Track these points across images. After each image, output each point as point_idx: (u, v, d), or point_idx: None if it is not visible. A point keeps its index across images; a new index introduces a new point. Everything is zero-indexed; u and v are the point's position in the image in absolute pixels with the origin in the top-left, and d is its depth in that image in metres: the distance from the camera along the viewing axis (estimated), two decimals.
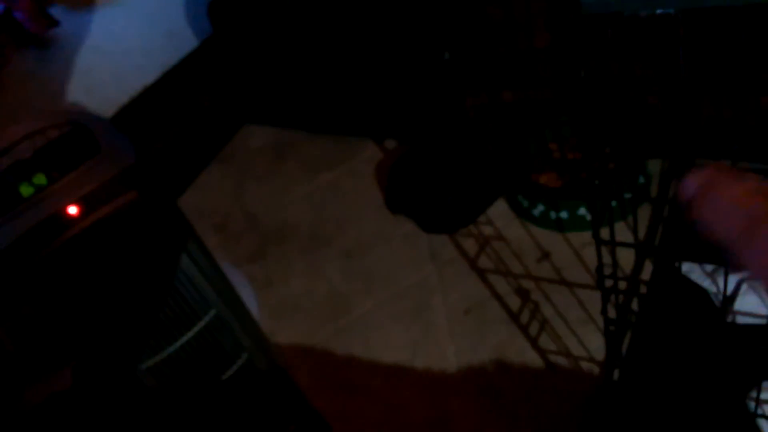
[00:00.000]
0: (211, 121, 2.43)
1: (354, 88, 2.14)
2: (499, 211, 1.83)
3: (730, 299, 1.28)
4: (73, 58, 2.42)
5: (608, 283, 1.09)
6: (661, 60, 1.56)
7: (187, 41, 2.33)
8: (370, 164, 2.12)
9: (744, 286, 1.28)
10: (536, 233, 1.73)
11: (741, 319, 1.26)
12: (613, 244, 1.05)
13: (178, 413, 1.20)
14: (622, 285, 1.45)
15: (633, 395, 1.22)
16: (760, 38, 1.39)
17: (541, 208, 1.71)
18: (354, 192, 2.05)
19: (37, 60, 2.48)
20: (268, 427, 1.35)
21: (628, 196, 1.67)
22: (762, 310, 1.25)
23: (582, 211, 1.66)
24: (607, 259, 1.05)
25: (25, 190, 0.99)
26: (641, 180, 1.70)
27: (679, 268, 1.37)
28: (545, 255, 1.67)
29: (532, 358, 1.46)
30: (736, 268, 1.30)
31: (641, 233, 1.61)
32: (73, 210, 0.96)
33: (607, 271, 1.07)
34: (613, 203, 1.63)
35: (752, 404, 1.12)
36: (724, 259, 1.30)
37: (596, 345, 1.43)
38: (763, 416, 1.10)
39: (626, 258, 1.48)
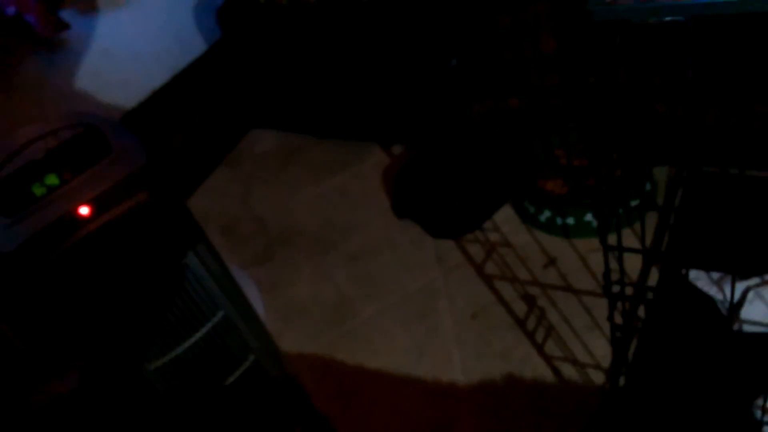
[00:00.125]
0: (219, 125, 2.44)
1: (361, 94, 2.15)
2: (506, 216, 1.83)
3: (736, 307, 1.28)
4: (83, 61, 2.43)
5: (615, 289, 1.10)
6: (669, 68, 1.56)
7: (195, 45, 2.35)
8: (376, 169, 2.13)
9: (751, 294, 1.28)
10: (542, 239, 1.73)
11: (747, 328, 1.26)
12: (620, 250, 1.05)
13: (186, 414, 1.20)
14: (629, 291, 1.45)
15: (639, 402, 1.21)
16: None
17: (547, 214, 1.71)
18: (360, 196, 2.06)
19: (48, 63, 2.50)
20: (274, 429, 1.35)
21: (634, 202, 1.67)
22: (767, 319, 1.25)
23: (588, 217, 1.66)
24: (613, 265, 1.05)
25: (38, 191, 1.00)
26: (648, 187, 1.70)
27: (686, 275, 1.37)
28: (551, 261, 1.67)
29: (538, 364, 1.45)
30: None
31: (648, 240, 1.61)
32: (84, 210, 0.97)
33: (614, 277, 1.08)
34: (620, 210, 1.63)
35: (758, 412, 1.12)
36: (731, 267, 1.30)
37: (602, 352, 1.43)
38: None
39: (633, 265, 1.48)
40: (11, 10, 2.17)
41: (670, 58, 1.51)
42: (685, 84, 1.54)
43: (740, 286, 1.30)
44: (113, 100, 2.16)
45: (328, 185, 2.15)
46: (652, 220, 1.66)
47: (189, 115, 2.31)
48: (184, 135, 2.29)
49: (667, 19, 0.77)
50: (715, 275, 1.35)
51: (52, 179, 1.02)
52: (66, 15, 2.70)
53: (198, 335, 1.15)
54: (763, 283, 1.29)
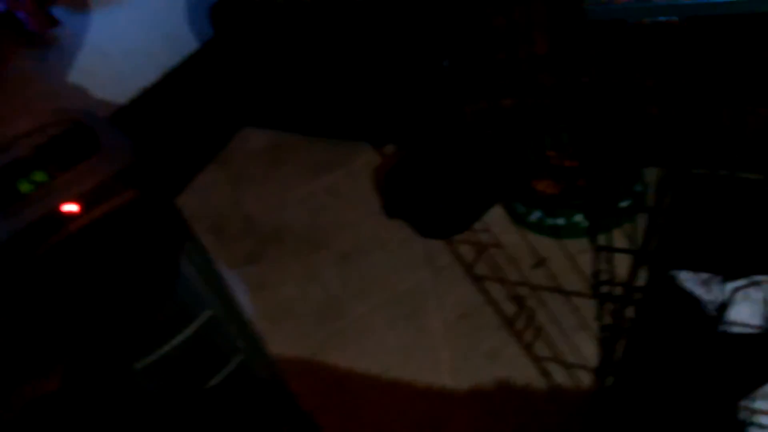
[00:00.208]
0: (210, 123, 2.43)
1: (353, 93, 2.15)
2: (496, 217, 1.84)
3: (723, 308, 1.29)
4: (74, 58, 2.42)
5: (604, 289, 1.10)
6: (662, 69, 1.57)
7: (187, 43, 2.34)
8: (367, 169, 2.13)
9: (738, 296, 1.29)
10: (532, 239, 1.74)
11: (734, 328, 1.27)
12: (609, 251, 1.05)
13: (172, 414, 1.20)
14: (618, 292, 1.45)
15: (626, 402, 1.22)
16: (763, 46, 1.40)
17: (537, 214, 1.71)
18: (351, 196, 2.06)
19: (38, 59, 2.49)
20: (261, 429, 1.35)
21: (624, 203, 1.68)
22: (754, 320, 1.25)
23: (578, 218, 1.67)
24: (602, 266, 1.06)
25: (25, 187, 0.99)
26: (638, 188, 1.71)
27: (674, 276, 1.38)
28: (541, 261, 1.67)
29: (526, 364, 1.46)
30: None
31: (637, 241, 1.62)
32: (72, 207, 0.96)
33: (603, 277, 1.08)
34: (610, 211, 1.64)
35: (744, 413, 1.12)
36: (718, 268, 1.31)
37: (590, 352, 1.43)
38: (755, 424, 1.10)
39: (622, 265, 1.49)
40: (1, 6, 2.16)
41: (663, 59, 1.52)
42: (677, 85, 1.54)
43: (728, 287, 1.31)
44: (103, 97, 2.15)
45: (319, 184, 2.14)
46: (641, 221, 1.67)
47: (180, 113, 2.30)
48: (174, 133, 2.28)
49: (662, 19, 0.77)
50: (703, 276, 1.36)
51: (40, 176, 1.00)
52: (57, 12, 2.68)
53: (184, 335, 1.14)
54: (750, 284, 1.30)
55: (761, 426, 1.10)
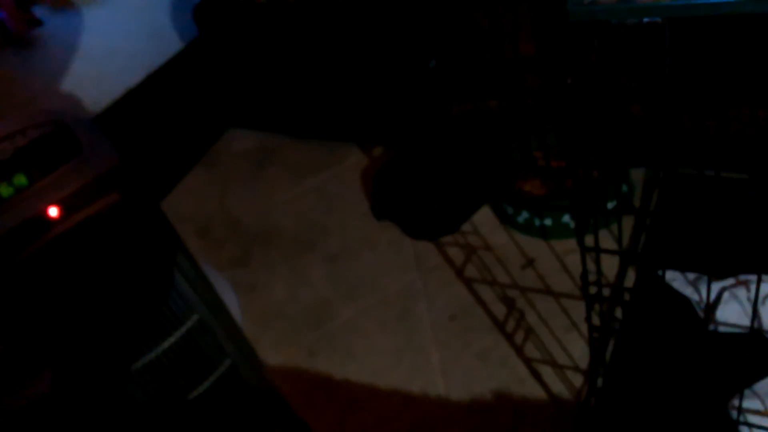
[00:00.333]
0: (196, 124, 2.41)
1: (340, 94, 2.14)
2: (484, 218, 1.83)
3: (712, 308, 1.29)
4: (56, 59, 2.39)
5: (592, 290, 1.10)
6: (645, 70, 1.57)
7: (171, 43, 2.32)
8: (355, 170, 2.12)
9: (726, 295, 1.29)
10: (520, 240, 1.74)
11: (723, 328, 1.27)
12: (597, 251, 1.05)
13: (161, 420, 1.18)
14: (606, 292, 1.46)
15: (616, 403, 1.22)
16: (745, 48, 1.41)
17: (525, 215, 1.71)
18: (339, 197, 2.05)
19: (19, 60, 2.45)
20: None
21: (611, 204, 1.69)
22: (743, 319, 1.26)
23: (566, 218, 1.67)
24: (590, 266, 1.05)
25: (5, 191, 0.97)
26: (625, 188, 1.71)
27: (663, 276, 1.38)
28: (529, 262, 1.67)
29: (517, 365, 1.45)
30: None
31: (625, 241, 1.62)
32: (53, 211, 0.94)
33: (591, 278, 1.08)
34: (597, 211, 1.64)
35: (734, 412, 1.13)
36: (706, 268, 1.31)
37: (580, 352, 1.43)
38: (745, 423, 1.11)
39: (610, 266, 1.49)
40: None
41: (647, 59, 1.52)
42: (661, 86, 1.55)
43: (716, 287, 1.31)
44: (87, 98, 2.12)
45: (307, 186, 2.13)
46: (629, 221, 1.68)
47: (164, 115, 2.27)
48: (159, 135, 2.25)
49: (645, 20, 0.77)
50: (691, 276, 1.36)
51: (21, 179, 0.99)
52: (39, 11, 2.65)
53: (172, 339, 1.13)
54: (738, 283, 1.30)
55: (750, 425, 1.10)
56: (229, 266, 1.92)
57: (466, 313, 1.60)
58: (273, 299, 1.79)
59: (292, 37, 2.07)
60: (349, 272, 1.80)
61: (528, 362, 1.46)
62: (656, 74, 1.57)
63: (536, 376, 1.43)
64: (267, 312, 1.76)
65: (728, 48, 1.41)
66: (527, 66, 1.83)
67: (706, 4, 0.73)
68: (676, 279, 1.37)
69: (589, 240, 1.04)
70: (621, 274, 1.39)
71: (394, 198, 1.89)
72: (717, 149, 1.63)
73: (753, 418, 1.11)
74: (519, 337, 1.51)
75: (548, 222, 1.69)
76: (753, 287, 1.28)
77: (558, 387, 1.39)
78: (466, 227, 1.82)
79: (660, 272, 1.39)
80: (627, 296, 1.39)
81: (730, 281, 1.32)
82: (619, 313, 1.36)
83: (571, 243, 1.68)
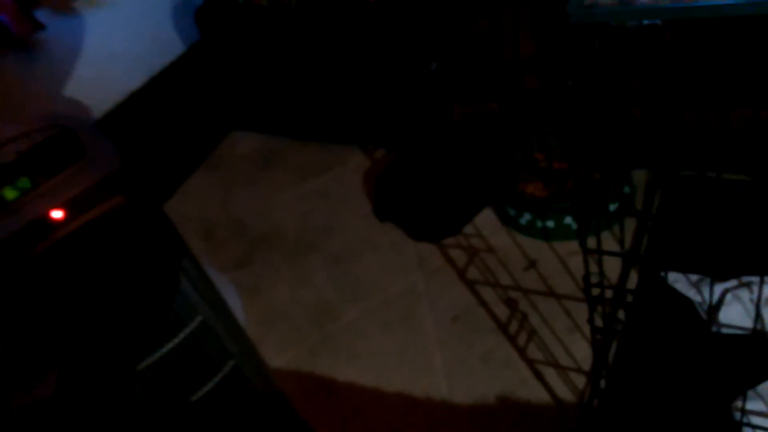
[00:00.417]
0: (199, 127, 2.42)
1: (342, 96, 2.14)
2: (486, 219, 1.84)
3: (714, 309, 1.29)
4: (59, 63, 2.40)
5: (595, 292, 1.10)
6: (646, 72, 1.57)
7: (174, 47, 2.32)
8: (357, 172, 2.12)
9: (728, 296, 1.29)
10: (522, 242, 1.74)
11: (725, 329, 1.27)
12: (599, 253, 1.05)
13: (165, 421, 1.18)
14: (609, 294, 1.45)
15: (619, 404, 1.22)
16: (746, 50, 1.41)
17: (527, 217, 1.71)
18: (341, 199, 2.05)
19: (22, 63, 2.46)
20: None
21: (614, 206, 1.69)
22: (746, 321, 1.26)
23: (568, 220, 1.67)
24: (593, 268, 1.05)
25: (9, 194, 0.97)
26: (627, 190, 1.71)
27: (665, 277, 1.38)
28: (532, 264, 1.67)
29: (519, 367, 1.46)
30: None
31: (627, 243, 1.62)
32: (57, 214, 0.95)
33: (594, 280, 1.08)
34: (599, 213, 1.64)
35: (737, 414, 1.13)
36: (709, 270, 1.31)
37: (583, 354, 1.43)
38: (748, 425, 1.11)
39: (612, 267, 1.49)
40: None
41: (647, 61, 1.52)
42: (662, 88, 1.55)
43: (718, 289, 1.31)
44: (89, 101, 2.13)
45: (309, 188, 2.13)
46: (631, 223, 1.68)
47: (167, 118, 2.28)
48: (162, 137, 2.26)
49: (645, 22, 0.77)
50: (694, 277, 1.36)
51: (24, 182, 0.99)
52: (41, 15, 2.66)
53: (176, 340, 1.13)
54: (741, 285, 1.30)
55: (754, 426, 1.10)
56: (233, 268, 1.92)
57: (469, 314, 1.60)
58: (276, 300, 1.79)
59: (294, 39, 2.07)
60: (352, 274, 1.80)
61: (531, 364, 1.46)
62: (657, 76, 1.57)
63: (539, 377, 1.43)
64: (270, 313, 1.76)
65: (728, 50, 1.41)
66: (528, 68, 1.83)
67: (706, 6, 0.73)
68: (678, 280, 1.37)
69: (591, 242, 1.04)
70: (623, 276, 1.39)
71: (397, 200, 1.89)
72: (719, 151, 1.63)
73: (756, 420, 1.11)
74: (522, 339, 1.51)
75: (550, 224, 1.69)
76: (756, 288, 1.28)
77: (561, 388, 1.39)
78: (468, 229, 1.82)
79: (662, 274, 1.38)
80: (630, 298, 1.39)
81: (732, 283, 1.31)
82: (621, 314, 1.36)
83: (574, 245, 1.68)
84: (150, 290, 1.09)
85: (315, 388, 1.55)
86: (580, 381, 1.39)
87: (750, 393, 1.13)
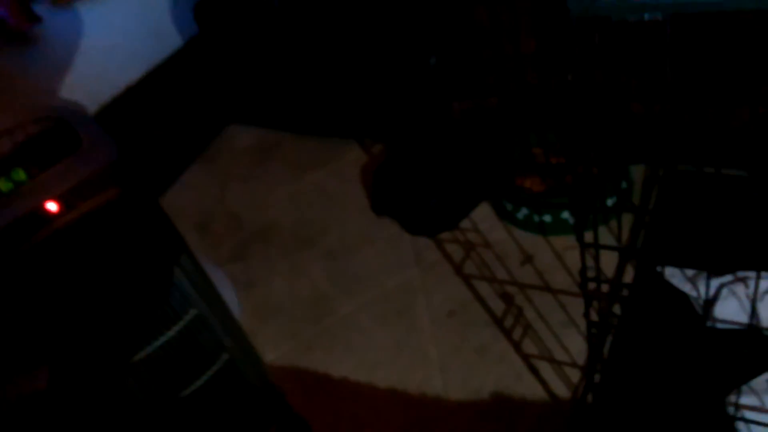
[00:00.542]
0: (196, 120, 2.41)
1: (340, 90, 2.14)
2: (483, 214, 1.83)
3: (710, 304, 1.29)
4: (57, 55, 2.39)
5: (591, 286, 1.10)
6: (646, 67, 1.57)
7: (172, 40, 2.32)
8: (355, 166, 2.12)
9: (724, 291, 1.29)
10: (519, 236, 1.74)
11: (721, 324, 1.27)
12: (596, 247, 1.05)
13: (158, 414, 1.18)
14: (605, 288, 1.46)
15: (614, 399, 1.22)
16: (747, 45, 1.41)
17: (524, 211, 1.71)
18: (338, 193, 2.05)
19: (20, 56, 2.45)
20: (249, 428, 1.34)
21: (611, 200, 1.69)
22: (741, 316, 1.26)
23: (565, 214, 1.67)
24: (589, 262, 1.06)
25: (4, 186, 0.97)
26: (624, 185, 1.71)
27: (661, 272, 1.38)
28: (528, 258, 1.67)
29: (515, 361, 1.46)
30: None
31: (624, 237, 1.62)
32: (52, 206, 0.94)
33: (590, 274, 1.08)
34: (596, 207, 1.64)
35: (731, 408, 1.13)
36: (705, 265, 1.31)
37: (578, 348, 1.44)
38: (742, 419, 1.11)
39: (609, 262, 1.49)
40: None
41: (647, 56, 1.52)
42: (662, 83, 1.55)
43: (714, 284, 1.31)
44: (87, 94, 2.12)
45: (306, 182, 2.13)
46: (628, 217, 1.68)
47: (164, 111, 2.27)
48: (159, 130, 2.26)
49: (646, 17, 0.77)
50: (690, 272, 1.36)
51: (19, 174, 0.99)
52: (39, 8, 2.65)
53: (170, 334, 1.13)
54: (737, 280, 1.30)
55: (747, 421, 1.10)
56: (228, 261, 1.92)
57: (465, 308, 1.60)
58: (272, 294, 1.79)
59: (292, 33, 2.07)
60: (348, 268, 1.80)
61: (526, 358, 1.46)
62: (657, 71, 1.57)
63: (534, 371, 1.43)
64: (265, 307, 1.76)
65: (729, 45, 1.41)
66: (527, 63, 1.83)
67: (705, 1, 0.73)
68: (674, 275, 1.37)
69: (588, 236, 1.04)
70: (620, 271, 1.39)
71: (394, 194, 1.89)
72: (717, 146, 1.62)
73: (750, 415, 1.11)
74: (517, 333, 1.51)
75: (547, 218, 1.69)
76: (751, 284, 1.28)
77: (555, 383, 1.40)
78: (465, 223, 1.82)
79: (659, 268, 1.38)
80: (625, 292, 1.39)
81: (728, 278, 1.31)
82: (617, 309, 1.36)
83: (570, 239, 1.68)
84: (145, 283, 1.09)
85: (310, 382, 1.55)
86: (575, 375, 1.40)
87: (744, 388, 1.14)
